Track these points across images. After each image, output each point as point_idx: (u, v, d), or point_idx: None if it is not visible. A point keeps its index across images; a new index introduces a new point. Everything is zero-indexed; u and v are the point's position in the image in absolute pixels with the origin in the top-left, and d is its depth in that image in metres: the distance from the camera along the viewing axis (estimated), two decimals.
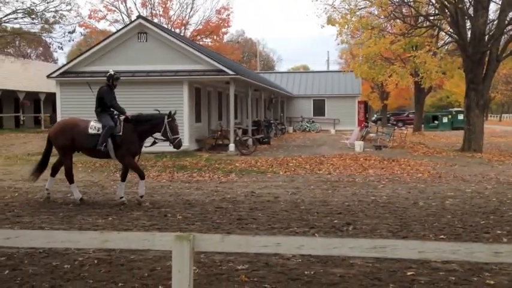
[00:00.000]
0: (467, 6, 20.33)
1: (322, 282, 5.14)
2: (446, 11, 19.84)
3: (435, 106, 76.50)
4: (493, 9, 23.88)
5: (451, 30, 21.23)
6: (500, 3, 20.24)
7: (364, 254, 2.98)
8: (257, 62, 62.42)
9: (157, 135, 9.77)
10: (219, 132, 20.79)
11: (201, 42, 40.41)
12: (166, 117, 9.49)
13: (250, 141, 20.81)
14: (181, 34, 38.24)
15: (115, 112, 9.76)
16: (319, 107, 39.63)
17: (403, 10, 25.24)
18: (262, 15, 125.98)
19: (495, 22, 20.35)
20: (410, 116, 49.97)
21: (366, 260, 5.74)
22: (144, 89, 19.91)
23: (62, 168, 9.99)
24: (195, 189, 11.31)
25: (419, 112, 37.99)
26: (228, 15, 43.81)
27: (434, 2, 20.50)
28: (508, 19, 19.87)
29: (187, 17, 44.06)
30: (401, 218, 8.21)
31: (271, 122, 29.43)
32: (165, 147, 18.68)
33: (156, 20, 38.03)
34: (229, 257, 5.92)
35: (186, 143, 19.37)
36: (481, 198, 10.01)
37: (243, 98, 28.65)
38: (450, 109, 55.46)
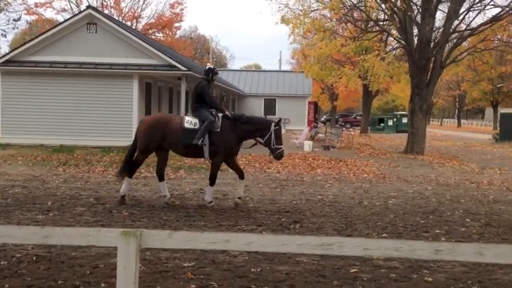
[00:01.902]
0: (415, 13, 21.06)
1: (268, 279, 5.16)
2: (395, 17, 20.47)
3: (381, 109, 78.93)
4: (440, 17, 24.87)
5: (399, 36, 21.91)
6: (446, 11, 21.10)
7: (311, 251, 3.01)
8: (209, 59, 62.10)
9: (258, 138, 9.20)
10: None
11: (153, 37, 39.72)
12: (273, 124, 8.88)
13: None
14: (133, 27, 37.43)
15: (211, 109, 9.06)
16: (270, 106, 39.91)
17: (355, 14, 25.83)
18: (215, 12, 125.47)
19: (441, 30, 21.19)
20: (357, 118, 51.29)
21: (312, 257, 5.83)
22: (92, 81, 19.39)
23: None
24: (142, 186, 11.10)
25: (367, 114, 39.06)
26: (182, 9, 43.36)
27: (384, 8, 21.09)
28: (452, 27, 20.74)
29: (139, 10, 43.22)
30: (347, 216, 8.40)
31: None
32: (113, 141, 18.46)
33: (106, 12, 37.01)
34: (176, 254, 5.84)
35: None
36: (421, 199, 10.39)
37: None
38: (395, 112, 57.38)
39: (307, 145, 20.95)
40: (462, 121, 72.88)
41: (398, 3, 20.00)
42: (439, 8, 21.22)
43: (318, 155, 18.33)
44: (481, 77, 51.02)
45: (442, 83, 54.78)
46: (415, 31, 21.08)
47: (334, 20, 23.32)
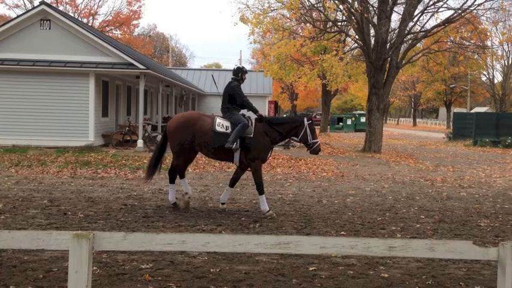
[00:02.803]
0: (372, 15, 21.50)
1: (227, 279, 5.14)
2: (353, 18, 20.82)
3: (340, 108, 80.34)
4: (395, 18, 25.54)
5: (356, 36, 22.32)
6: (401, 13, 21.65)
7: (268, 250, 3.01)
8: (169, 58, 61.41)
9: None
10: (127, 128, 20.16)
11: (110, 34, 38.95)
12: (306, 119, 8.59)
13: (159, 138, 20.37)
14: (89, 24, 36.56)
15: (241, 111, 8.68)
16: None
17: (313, 15, 26.13)
18: (175, 10, 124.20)
19: (396, 31, 21.72)
20: (317, 117, 51.88)
21: (271, 256, 5.84)
22: (46, 79, 18.82)
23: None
24: (99, 186, 10.85)
25: (326, 114, 39.61)
26: (140, 7, 42.73)
27: (342, 9, 21.43)
28: (407, 29, 21.29)
29: (95, 7, 42.30)
30: (306, 215, 8.47)
31: None
32: (68, 141, 17.97)
33: (61, 8, 36.03)
34: (133, 256, 5.74)
35: (91, 138, 18.56)
36: (378, 197, 10.61)
37: (154, 94, 28.04)
38: (354, 112, 58.50)
39: None
40: (417, 120, 75.10)
41: (356, 5, 20.36)
42: (394, 9, 21.75)
43: (278, 154, 18.43)
44: (435, 78, 52.73)
45: (399, 83, 56.24)
46: (372, 32, 21.52)
47: (294, 20, 23.50)
